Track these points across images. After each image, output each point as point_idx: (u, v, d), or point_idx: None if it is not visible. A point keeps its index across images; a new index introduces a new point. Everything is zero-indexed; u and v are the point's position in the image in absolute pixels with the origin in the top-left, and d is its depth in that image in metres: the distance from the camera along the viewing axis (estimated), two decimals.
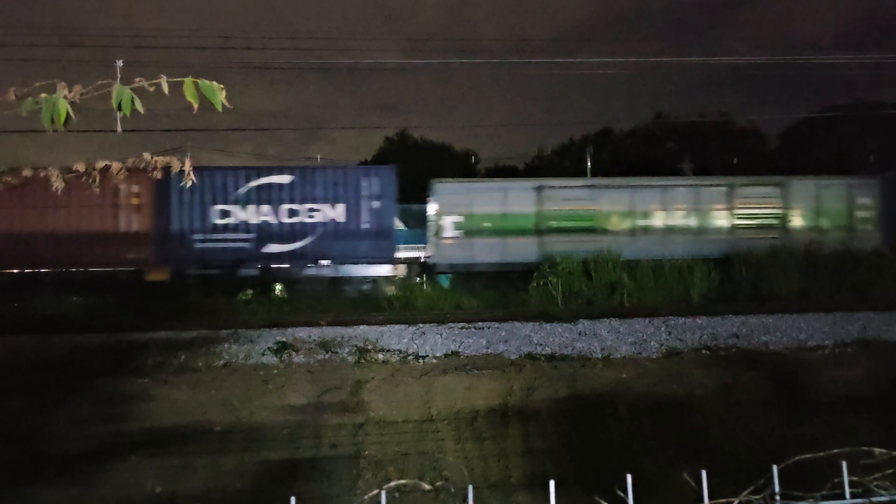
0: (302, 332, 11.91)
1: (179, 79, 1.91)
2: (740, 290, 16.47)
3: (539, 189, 18.63)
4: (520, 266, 17.78)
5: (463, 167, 34.80)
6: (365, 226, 17.87)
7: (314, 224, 17.79)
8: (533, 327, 12.49)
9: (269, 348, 10.82)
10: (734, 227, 18.72)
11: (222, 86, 1.96)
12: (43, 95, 1.82)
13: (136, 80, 1.92)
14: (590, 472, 7.10)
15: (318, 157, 24.25)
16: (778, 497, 2.19)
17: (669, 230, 18.61)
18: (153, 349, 10.82)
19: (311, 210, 17.81)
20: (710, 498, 2.21)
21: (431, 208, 18.66)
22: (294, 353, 10.67)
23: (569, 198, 18.63)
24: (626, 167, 29.39)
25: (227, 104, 1.99)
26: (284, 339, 11.28)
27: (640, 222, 18.66)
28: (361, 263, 18.00)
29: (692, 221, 18.73)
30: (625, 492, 2.22)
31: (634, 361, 10.43)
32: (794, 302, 15.36)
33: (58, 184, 2.01)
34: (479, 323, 13.02)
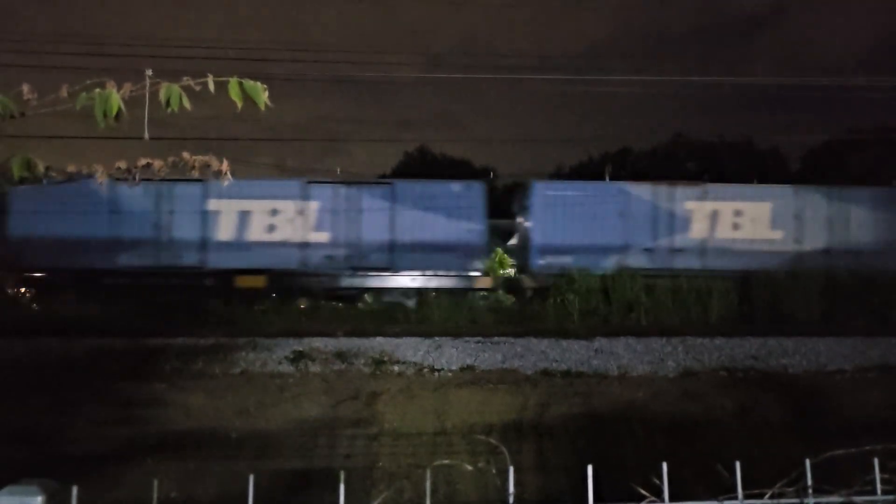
0: (318, 342, 11.96)
1: (225, 78, 1.98)
2: (759, 312, 16.33)
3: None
4: None
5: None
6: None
7: None
8: (549, 343, 12.45)
9: (285, 357, 10.88)
10: None
11: (266, 86, 2.04)
12: (97, 91, 1.89)
13: (184, 79, 2.00)
14: (604, 488, 7.05)
15: (338, 169, 24.34)
16: (810, 491, 2.18)
17: None
18: (171, 355, 10.91)
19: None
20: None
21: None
22: (310, 362, 10.71)
23: None
24: None
25: (269, 104, 2.06)
26: (301, 349, 11.33)
27: None
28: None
29: None
30: (660, 479, 2.23)
31: (651, 380, 10.36)
32: (814, 325, 15.19)
33: (102, 179, 2.08)
34: (496, 338, 13.01)
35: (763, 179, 20.18)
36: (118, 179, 2.29)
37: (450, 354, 11.43)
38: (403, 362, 10.90)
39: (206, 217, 17.29)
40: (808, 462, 2.33)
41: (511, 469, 2.48)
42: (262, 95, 2.04)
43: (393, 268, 17.61)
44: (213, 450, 7.97)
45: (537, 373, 10.53)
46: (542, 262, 17.96)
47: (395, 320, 15.48)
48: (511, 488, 2.56)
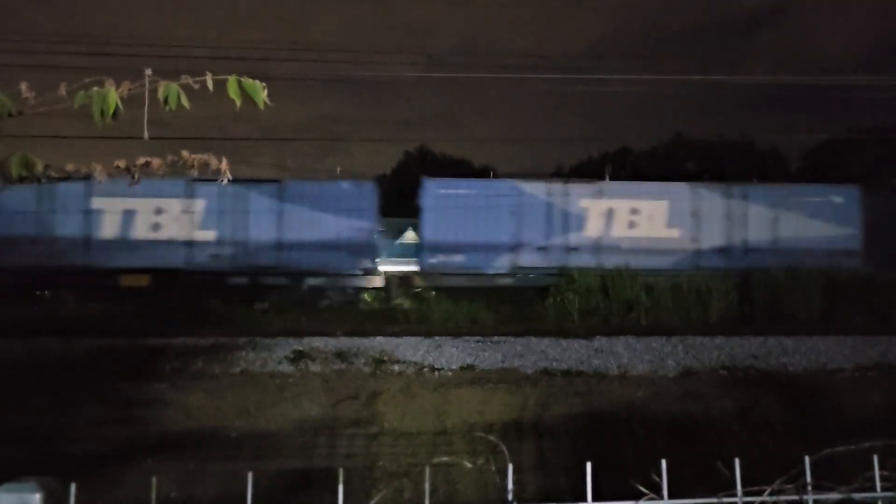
0: (318, 342, 11.96)
1: (223, 76, 1.98)
2: (759, 311, 16.33)
3: None
4: None
5: None
6: None
7: None
8: (549, 343, 12.44)
9: (285, 357, 10.88)
10: None
11: (264, 84, 2.04)
12: (95, 89, 1.89)
13: (183, 77, 2.00)
14: (603, 488, 7.05)
15: (338, 169, 24.33)
16: (810, 487, 2.18)
17: None
18: (171, 354, 10.91)
19: None
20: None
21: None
22: (310, 362, 10.71)
23: None
24: None
25: (268, 102, 2.06)
26: (301, 348, 11.33)
27: None
28: None
29: None
30: (660, 476, 2.23)
31: (651, 380, 10.36)
32: (814, 324, 15.18)
33: (101, 178, 2.08)
34: (496, 337, 13.01)
35: (763, 179, 20.14)
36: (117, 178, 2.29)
37: (450, 354, 11.43)
38: (403, 362, 10.90)
39: (89, 216, 17.16)
40: (807, 459, 2.33)
41: (510, 467, 2.48)
42: (261, 94, 2.04)
43: (280, 267, 17.54)
44: (213, 450, 7.97)
45: (537, 372, 10.53)
46: (432, 260, 17.92)
47: (395, 320, 15.49)
48: (510, 486, 2.56)
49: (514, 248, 18.00)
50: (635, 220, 18.35)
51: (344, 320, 15.10)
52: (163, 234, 17.40)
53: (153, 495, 2.71)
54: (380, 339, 12.54)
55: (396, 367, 10.62)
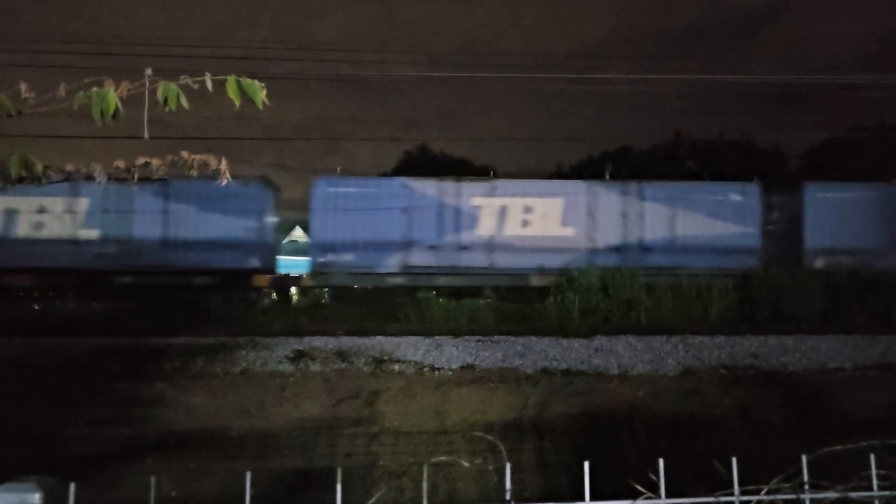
0: (318, 341, 11.97)
1: (222, 76, 1.99)
2: (759, 310, 16.32)
3: None
4: None
5: None
6: None
7: None
8: (549, 342, 12.45)
9: (286, 356, 10.89)
10: None
11: (263, 84, 2.04)
12: (94, 90, 1.90)
13: (182, 77, 2.00)
14: (603, 487, 7.05)
15: (338, 168, 24.33)
16: (807, 487, 2.19)
17: None
18: (172, 354, 10.92)
19: None
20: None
21: None
22: (310, 361, 10.72)
23: None
24: None
25: (267, 102, 2.07)
26: (301, 348, 11.34)
27: None
28: None
29: None
30: (657, 476, 2.24)
31: (651, 379, 10.36)
32: (814, 323, 15.18)
33: (101, 179, 2.09)
34: (496, 336, 13.01)
35: (763, 178, 20.05)
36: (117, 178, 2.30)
37: (450, 353, 11.44)
38: (404, 361, 10.91)
39: None
40: (804, 458, 2.33)
41: (508, 466, 2.48)
42: (260, 93, 2.05)
43: (167, 266, 17.47)
44: (214, 449, 7.97)
45: (537, 371, 10.54)
46: (321, 259, 17.81)
47: (395, 319, 15.49)
48: (509, 486, 2.56)
49: (406, 246, 17.88)
50: (529, 219, 18.23)
51: (344, 319, 15.10)
52: (45, 234, 17.27)
53: (153, 495, 2.71)
54: (380, 338, 12.55)
55: (397, 367, 10.63)
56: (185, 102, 2.01)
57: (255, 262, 17.88)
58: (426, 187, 18.19)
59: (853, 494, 2.26)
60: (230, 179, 2.29)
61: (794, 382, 10.26)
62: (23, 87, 2.01)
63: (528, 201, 18.26)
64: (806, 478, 2.28)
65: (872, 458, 2.35)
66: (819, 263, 18.06)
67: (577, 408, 9.12)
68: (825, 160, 30.70)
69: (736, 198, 18.70)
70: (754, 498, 2.30)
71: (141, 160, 2.13)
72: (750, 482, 2.32)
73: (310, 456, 8.00)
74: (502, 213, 18.13)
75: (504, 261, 17.75)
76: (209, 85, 1.99)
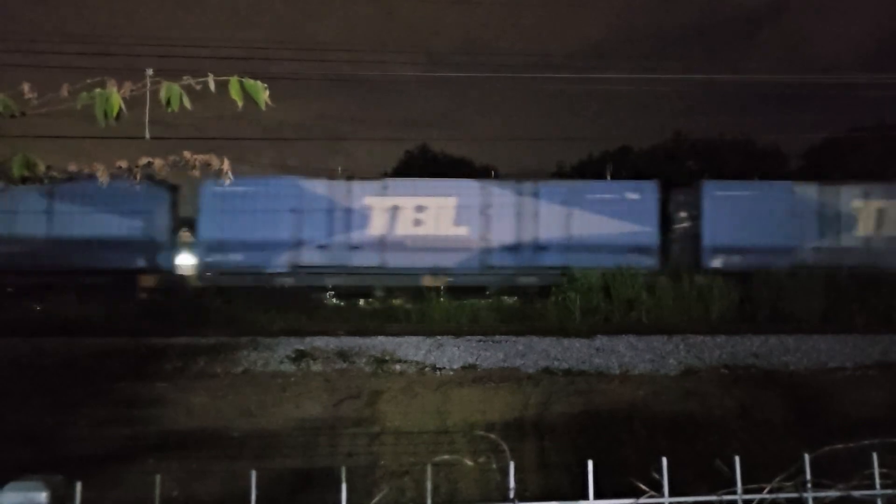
0: (319, 341, 11.97)
1: (225, 77, 1.99)
2: (759, 310, 16.31)
3: None
4: None
5: None
6: None
7: None
8: (550, 342, 12.45)
9: (287, 356, 10.89)
10: None
11: (266, 85, 2.05)
12: (97, 90, 1.91)
13: (184, 78, 2.01)
14: (605, 486, 7.05)
15: (339, 168, 24.34)
16: (809, 485, 2.19)
17: None
18: (173, 354, 10.92)
19: None
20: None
21: None
22: (312, 361, 10.72)
23: None
24: None
25: (269, 103, 2.07)
26: (302, 348, 11.34)
27: None
28: None
29: None
30: (660, 474, 2.24)
31: (652, 379, 10.36)
32: (814, 323, 15.18)
33: (103, 179, 2.09)
34: (497, 336, 13.01)
35: (763, 177, 20.03)
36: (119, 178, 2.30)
37: (451, 353, 11.44)
38: (405, 361, 10.91)
39: None
40: (806, 457, 2.33)
41: (512, 465, 2.49)
42: (263, 94, 2.05)
43: (55, 265, 17.38)
44: (215, 449, 7.97)
45: (539, 371, 10.54)
46: (208, 259, 17.77)
47: (396, 319, 15.50)
48: (512, 484, 2.57)
49: (295, 245, 17.83)
50: (421, 218, 18.18)
51: (345, 319, 15.09)
52: None
53: (157, 494, 2.72)
54: (381, 338, 12.55)
55: (398, 367, 10.64)
56: (187, 103, 2.02)
57: (140, 262, 17.86)
58: (316, 187, 18.18)
59: (855, 493, 2.26)
60: (229, 178, 2.29)
61: (794, 382, 10.26)
62: (25, 87, 2.02)
63: (421, 200, 18.24)
64: (808, 476, 2.28)
65: (874, 456, 2.35)
66: (717, 262, 18.14)
67: (578, 407, 9.12)
68: (825, 160, 30.68)
69: (632, 196, 18.61)
70: (757, 497, 2.30)
71: (143, 160, 2.14)
72: (750, 481, 2.33)
73: (311, 456, 8.00)
74: (394, 212, 18.11)
75: (396, 260, 17.74)
76: (212, 86, 2.00)
